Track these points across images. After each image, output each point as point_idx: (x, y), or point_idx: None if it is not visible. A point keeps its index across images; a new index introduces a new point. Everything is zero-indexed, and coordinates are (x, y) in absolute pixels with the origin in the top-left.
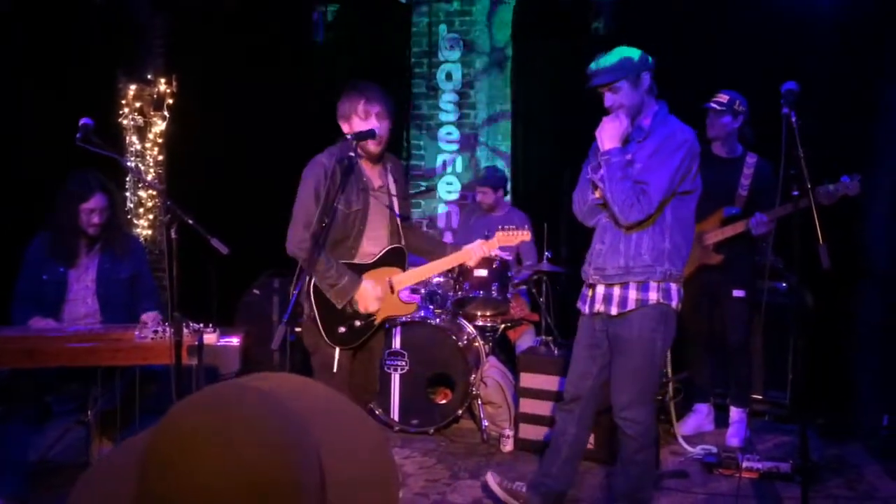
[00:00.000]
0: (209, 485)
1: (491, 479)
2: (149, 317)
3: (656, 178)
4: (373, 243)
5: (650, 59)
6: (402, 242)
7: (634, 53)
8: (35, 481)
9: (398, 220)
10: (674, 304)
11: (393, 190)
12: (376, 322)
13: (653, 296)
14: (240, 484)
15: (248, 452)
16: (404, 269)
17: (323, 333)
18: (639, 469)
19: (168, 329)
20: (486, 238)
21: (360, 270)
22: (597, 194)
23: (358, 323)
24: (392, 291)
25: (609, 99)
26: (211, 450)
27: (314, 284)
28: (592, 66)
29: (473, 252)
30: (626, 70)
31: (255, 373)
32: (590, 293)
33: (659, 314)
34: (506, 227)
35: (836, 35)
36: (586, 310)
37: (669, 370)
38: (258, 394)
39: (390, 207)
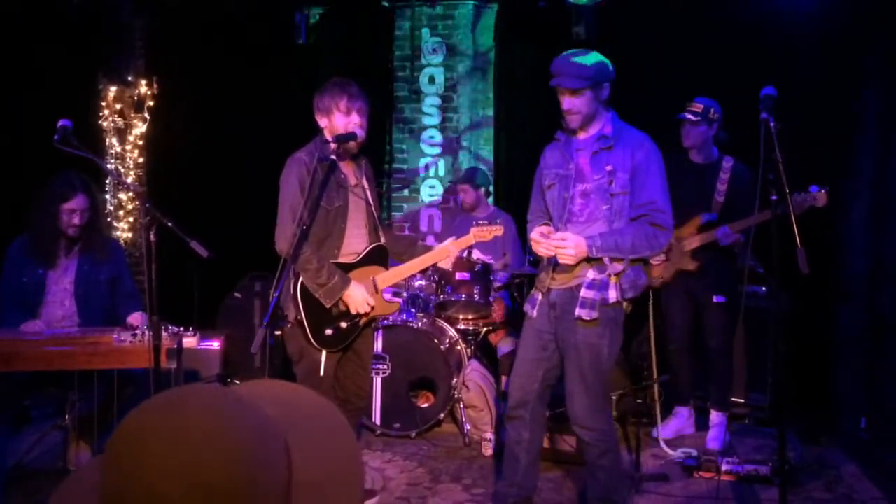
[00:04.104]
0: (157, 485)
1: None
2: (135, 318)
3: (655, 192)
4: (355, 241)
5: (613, 69)
6: (383, 241)
7: (605, 62)
8: (11, 486)
9: (375, 218)
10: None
11: (367, 188)
12: (361, 323)
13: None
14: (188, 484)
15: (199, 454)
16: (387, 268)
17: (310, 336)
18: (605, 473)
19: (147, 332)
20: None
21: (344, 270)
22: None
23: (344, 325)
24: (376, 291)
25: (568, 103)
26: (161, 450)
27: (301, 287)
28: (561, 62)
29: (448, 250)
30: (595, 79)
31: (236, 376)
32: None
33: (604, 319)
34: (479, 222)
35: (816, 42)
36: (534, 313)
37: (654, 372)
38: (221, 395)
39: (367, 204)
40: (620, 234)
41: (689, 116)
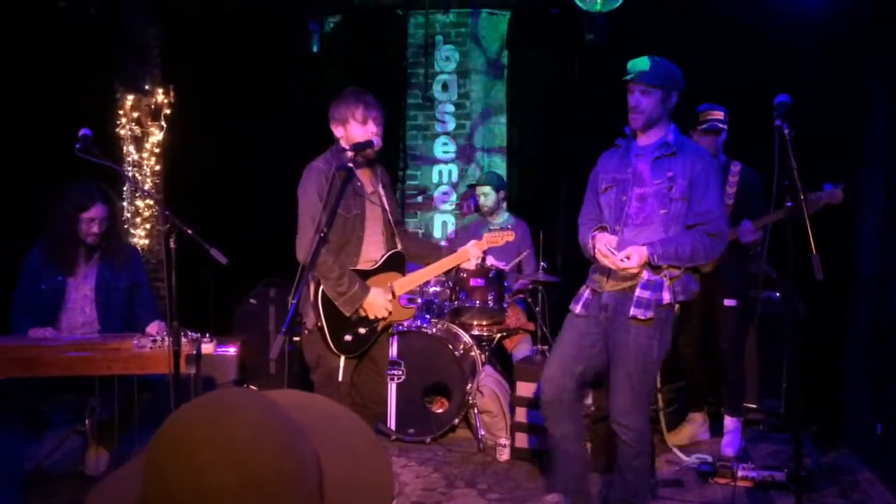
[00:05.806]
0: (207, 483)
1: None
2: (153, 328)
3: (712, 203)
4: (372, 248)
5: (683, 81)
6: (400, 247)
7: (679, 72)
8: (30, 491)
9: (392, 224)
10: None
11: (384, 195)
12: (379, 328)
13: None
14: (239, 478)
15: (245, 451)
16: (404, 274)
17: (329, 342)
18: (635, 475)
19: (166, 338)
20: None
21: (363, 277)
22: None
23: (363, 330)
24: (393, 297)
25: (635, 100)
26: (208, 449)
27: (321, 293)
28: (637, 62)
29: (470, 252)
30: (668, 83)
31: (252, 382)
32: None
33: (657, 320)
34: (492, 228)
35: (825, 45)
36: (582, 311)
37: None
38: (257, 397)
39: (384, 212)
40: (680, 242)
41: (721, 126)
